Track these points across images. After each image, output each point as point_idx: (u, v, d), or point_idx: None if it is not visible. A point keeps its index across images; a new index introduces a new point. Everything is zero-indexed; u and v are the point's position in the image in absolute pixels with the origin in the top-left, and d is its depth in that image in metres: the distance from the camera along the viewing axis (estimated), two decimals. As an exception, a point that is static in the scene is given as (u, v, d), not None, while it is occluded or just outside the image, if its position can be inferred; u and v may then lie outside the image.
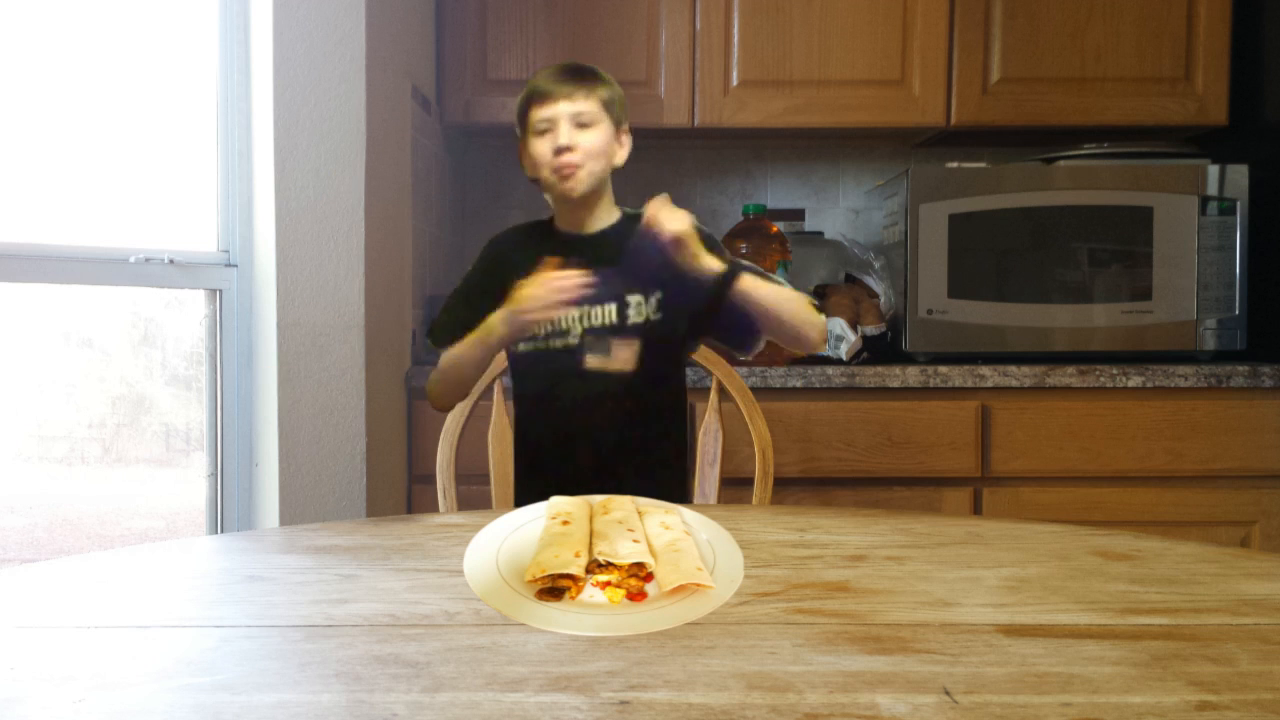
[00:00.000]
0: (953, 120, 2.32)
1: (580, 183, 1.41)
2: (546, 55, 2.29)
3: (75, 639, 0.77)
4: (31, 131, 1.56)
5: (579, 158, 1.39)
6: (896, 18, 2.30)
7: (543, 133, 1.41)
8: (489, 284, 1.47)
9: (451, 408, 1.57)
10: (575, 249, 1.45)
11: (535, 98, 1.41)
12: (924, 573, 0.95)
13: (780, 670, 0.70)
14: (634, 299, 1.42)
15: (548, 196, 1.48)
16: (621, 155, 1.46)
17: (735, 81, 2.31)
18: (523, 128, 1.44)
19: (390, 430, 1.93)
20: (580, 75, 1.42)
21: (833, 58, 2.31)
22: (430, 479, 1.69)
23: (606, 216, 1.48)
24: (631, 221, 1.49)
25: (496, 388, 1.63)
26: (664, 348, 1.45)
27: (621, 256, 1.43)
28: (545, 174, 1.42)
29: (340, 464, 1.77)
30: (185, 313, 1.77)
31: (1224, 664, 0.71)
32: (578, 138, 1.40)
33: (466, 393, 1.54)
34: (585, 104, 1.40)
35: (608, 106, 1.42)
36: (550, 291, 1.31)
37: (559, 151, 1.39)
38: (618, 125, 1.44)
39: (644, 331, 1.42)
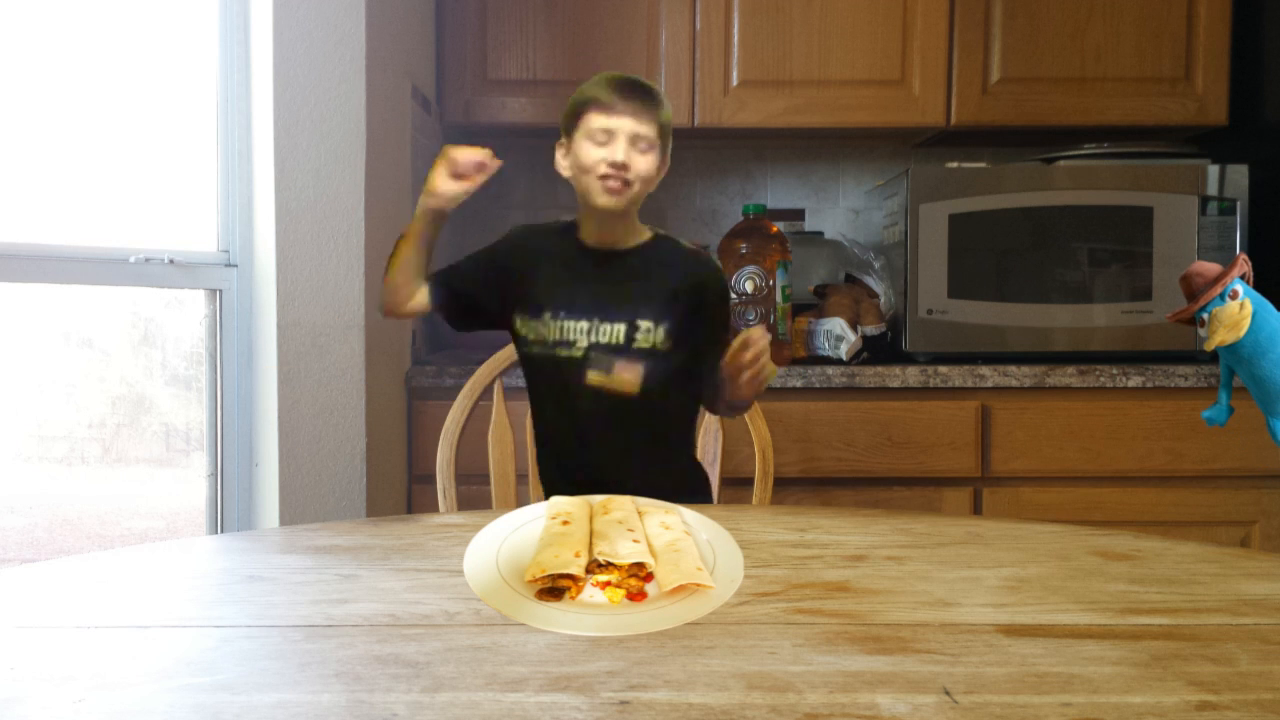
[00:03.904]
0: (953, 120, 2.32)
1: (624, 200, 1.40)
2: (546, 55, 2.29)
3: (75, 639, 0.77)
4: (31, 131, 1.56)
5: (631, 176, 1.39)
6: (896, 18, 2.30)
7: (600, 143, 1.39)
8: (500, 261, 1.49)
9: (399, 313, 1.51)
10: (603, 263, 1.46)
11: (598, 105, 1.39)
12: (924, 573, 0.95)
13: (780, 670, 0.70)
14: (644, 324, 1.41)
15: (581, 201, 1.47)
16: (658, 181, 1.46)
17: (735, 81, 2.31)
18: (571, 128, 1.42)
19: (390, 430, 1.93)
20: (647, 94, 1.41)
21: (833, 58, 2.31)
22: (430, 479, 1.69)
23: (635, 236, 1.48)
24: (663, 243, 1.49)
25: (497, 388, 1.63)
26: (672, 374, 1.43)
27: (644, 279, 1.44)
28: (589, 180, 1.40)
29: (340, 464, 1.77)
30: (185, 313, 1.77)
31: (1224, 664, 0.71)
32: (635, 159, 1.39)
33: (409, 297, 1.48)
34: (647, 128, 1.39)
35: (664, 133, 1.42)
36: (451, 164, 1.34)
37: (614, 166, 1.38)
38: (664, 153, 1.44)
39: (648, 357, 1.41)
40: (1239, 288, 1.06)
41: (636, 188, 1.40)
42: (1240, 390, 1.12)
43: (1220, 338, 1.07)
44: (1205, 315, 1.08)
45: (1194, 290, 1.10)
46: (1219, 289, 1.07)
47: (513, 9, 2.29)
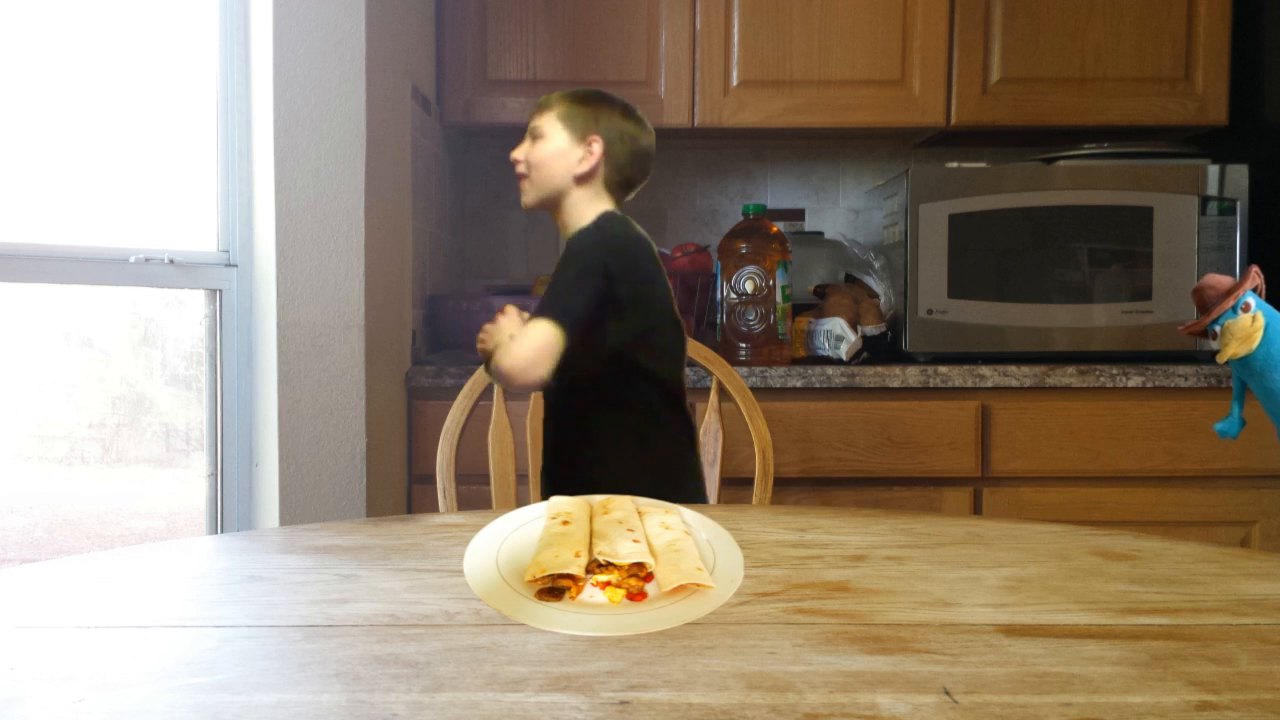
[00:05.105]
0: (953, 120, 2.32)
1: (525, 193, 1.51)
2: (546, 55, 2.29)
3: (75, 639, 0.77)
4: (31, 131, 1.56)
5: (523, 169, 1.50)
6: (896, 18, 2.30)
7: None
8: None
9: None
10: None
11: None
12: (924, 573, 0.95)
13: (780, 670, 0.70)
14: None
15: None
16: (588, 162, 1.46)
17: (735, 81, 2.31)
18: None
19: (390, 430, 1.93)
20: (555, 96, 1.51)
21: (833, 58, 2.31)
22: (430, 479, 1.69)
23: (575, 225, 1.49)
24: (597, 223, 1.47)
25: (497, 388, 1.63)
26: (585, 349, 1.39)
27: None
28: None
29: (340, 464, 1.77)
30: (185, 313, 1.77)
31: (1224, 664, 0.71)
32: (528, 151, 1.49)
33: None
34: (538, 119, 1.50)
35: (565, 119, 1.47)
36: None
37: (513, 164, 1.52)
38: (582, 135, 1.46)
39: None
40: (1251, 300, 1.07)
41: (532, 175, 1.49)
42: (1250, 400, 1.12)
43: (1232, 350, 1.07)
44: (1217, 328, 1.09)
45: (1206, 303, 1.10)
46: (1231, 302, 1.07)
47: (513, 9, 2.29)
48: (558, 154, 1.46)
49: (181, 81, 1.74)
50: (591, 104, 1.48)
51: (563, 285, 1.41)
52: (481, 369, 1.59)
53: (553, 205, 1.50)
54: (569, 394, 1.47)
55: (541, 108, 1.50)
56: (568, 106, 1.48)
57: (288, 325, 1.72)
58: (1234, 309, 1.07)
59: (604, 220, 1.47)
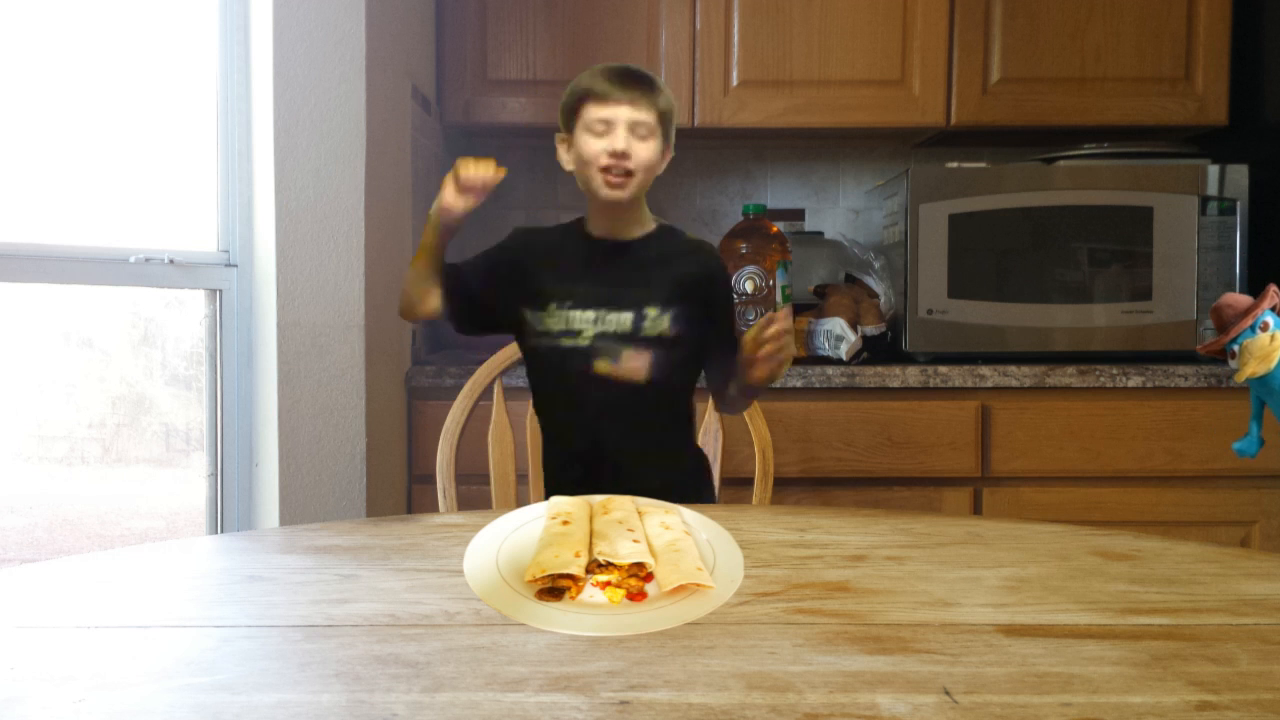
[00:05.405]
0: (953, 120, 2.32)
1: (629, 192, 1.39)
2: (546, 55, 2.29)
3: (75, 639, 0.77)
4: (32, 131, 1.56)
5: (633, 165, 1.38)
6: (896, 18, 2.30)
7: (599, 134, 1.38)
8: (507, 258, 1.49)
9: (415, 318, 1.50)
10: (609, 254, 1.46)
11: (594, 96, 1.37)
12: (924, 573, 0.95)
13: (780, 670, 0.70)
14: (651, 311, 1.41)
15: (586, 194, 1.46)
16: (663, 167, 1.45)
17: (735, 81, 2.31)
18: (571, 123, 1.41)
19: (390, 430, 1.93)
20: (642, 82, 1.40)
21: (833, 58, 2.31)
22: (430, 479, 1.69)
23: (642, 225, 1.48)
24: (667, 233, 1.49)
25: (497, 388, 1.63)
26: (677, 361, 1.44)
27: (651, 268, 1.44)
28: (592, 173, 1.39)
29: (340, 464, 1.77)
30: (185, 313, 1.77)
31: (1224, 664, 0.71)
32: (635, 147, 1.38)
33: (422, 304, 1.46)
34: (646, 114, 1.38)
35: (664, 120, 1.41)
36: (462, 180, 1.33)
37: (615, 155, 1.37)
38: (667, 139, 1.43)
39: (655, 344, 1.41)
40: (1270, 319, 1.06)
41: (639, 177, 1.39)
42: (1244, 391, 1.12)
43: (1251, 369, 1.07)
44: (1236, 347, 1.08)
45: (1224, 322, 1.10)
46: (1249, 320, 1.07)
47: (513, 9, 2.29)
48: (657, 159, 1.42)
49: (181, 82, 1.74)
50: (672, 100, 1.44)
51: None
52: (487, 367, 1.58)
53: (633, 207, 1.46)
54: (608, 396, 1.44)
55: (645, 102, 1.39)
56: (667, 102, 1.42)
57: (288, 325, 1.72)
58: (1252, 328, 1.07)
59: (686, 236, 1.52)
